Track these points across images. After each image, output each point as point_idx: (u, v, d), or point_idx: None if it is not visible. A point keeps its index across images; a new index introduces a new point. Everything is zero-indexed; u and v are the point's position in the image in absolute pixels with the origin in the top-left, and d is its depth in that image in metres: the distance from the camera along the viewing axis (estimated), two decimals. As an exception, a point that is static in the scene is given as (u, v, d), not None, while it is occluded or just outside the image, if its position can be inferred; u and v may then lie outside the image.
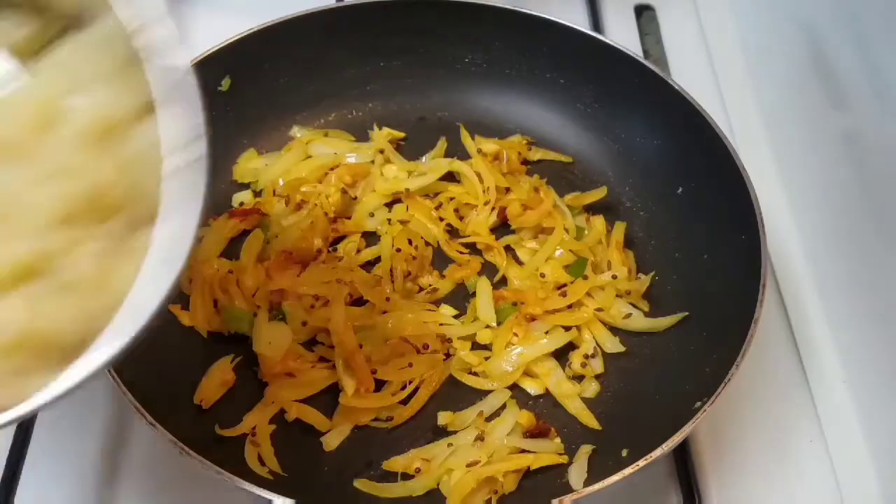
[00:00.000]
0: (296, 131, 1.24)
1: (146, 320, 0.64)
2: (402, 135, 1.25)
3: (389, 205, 1.18)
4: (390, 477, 0.96)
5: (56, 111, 0.67)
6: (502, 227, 1.16)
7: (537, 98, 1.25)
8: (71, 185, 0.66)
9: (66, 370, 0.63)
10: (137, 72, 0.69)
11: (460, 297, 1.11)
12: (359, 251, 1.14)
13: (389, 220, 1.15)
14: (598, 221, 1.17)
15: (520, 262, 1.13)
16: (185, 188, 0.66)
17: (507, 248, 1.14)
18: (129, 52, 0.69)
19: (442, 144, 1.24)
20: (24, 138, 0.65)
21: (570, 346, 1.06)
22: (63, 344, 0.65)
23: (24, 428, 0.94)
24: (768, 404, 1.10)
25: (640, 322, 1.09)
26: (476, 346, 1.06)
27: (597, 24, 1.42)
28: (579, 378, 1.05)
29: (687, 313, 1.07)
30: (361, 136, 1.25)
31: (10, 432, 0.94)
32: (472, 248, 1.14)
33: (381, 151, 1.21)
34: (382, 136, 1.23)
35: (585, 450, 0.97)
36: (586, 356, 1.05)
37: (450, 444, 0.97)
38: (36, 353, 0.64)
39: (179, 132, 0.67)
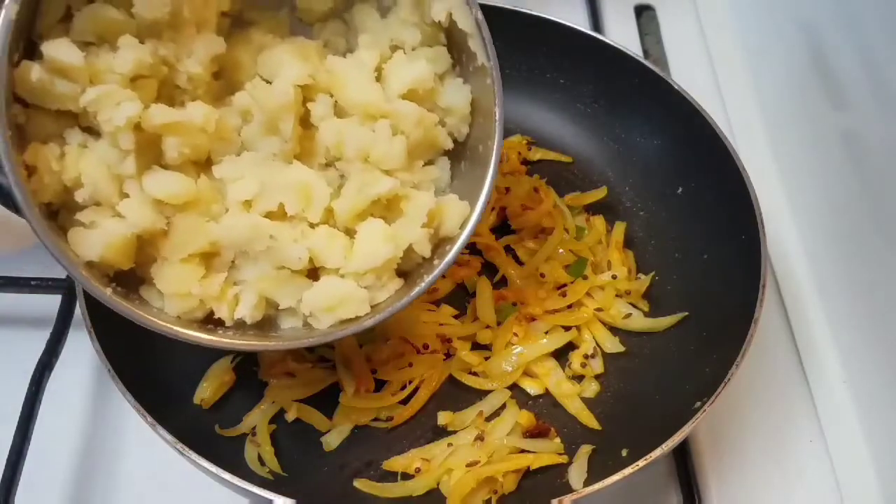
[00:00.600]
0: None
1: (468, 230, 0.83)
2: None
3: (390, 204, 1.18)
4: (390, 477, 0.96)
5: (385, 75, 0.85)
6: (502, 227, 1.16)
7: (537, 98, 1.25)
8: (409, 132, 0.82)
9: (395, 284, 0.84)
10: (439, 36, 0.86)
11: (460, 297, 1.11)
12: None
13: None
14: (598, 221, 1.17)
15: (520, 262, 1.13)
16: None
17: (507, 248, 1.14)
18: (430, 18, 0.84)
19: (442, 144, 1.24)
20: (363, 100, 0.82)
21: (570, 346, 1.06)
22: (394, 265, 0.82)
23: (24, 428, 0.94)
24: (768, 404, 1.10)
25: (640, 322, 1.09)
26: (476, 346, 1.06)
27: (597, 24, 1.42)
28: (579, 378, 1.05)
29: (687, 313, 1.07)
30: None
31: (10, 432, 0.94)
32: (472, 248, 1.14)
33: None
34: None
35: (585, 450, 0.97)
36: (586, 356, 1.05)
37: (450, 444, 0.97)
38: (381, 274, 0.82)
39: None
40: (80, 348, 0.97)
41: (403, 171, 0.84)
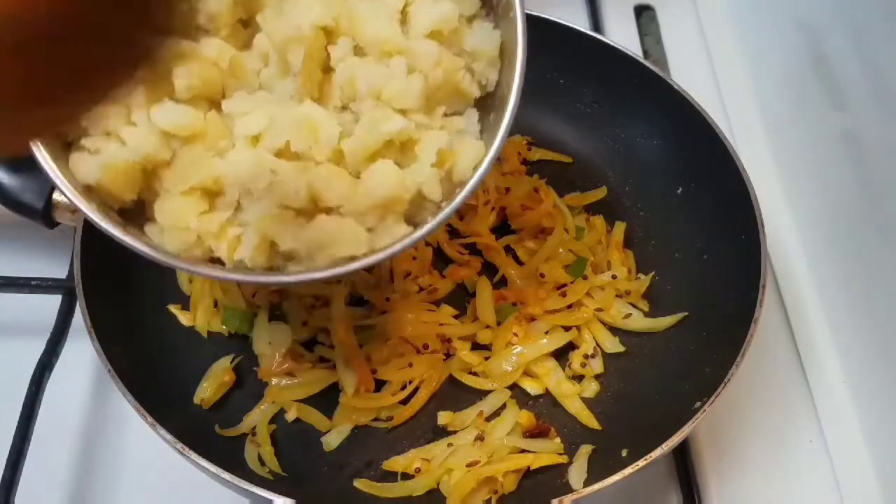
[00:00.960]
0: (296, 131, 1.24)
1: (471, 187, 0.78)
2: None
3: (389, 204, 1.18)
4: (390, 477, 0.96)
5: (410, 14, 0.81)
6: (502, 227, 1.16)
7: (537, 98, 1.25)
8: (427, 72, 0.79)
9: (400, 230, 0.78)
10: None
11: (460, 297, 1.11)
12: (358, 251, 1.14)
13: (389, 220, 1.15)
14: (598, 221, 1.17)
15: (520, 262, 1.13)
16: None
17: (507, 248, 1.14)
18: None
19: (442, 144, 1.24)
20: (385, 37, 0.79)
21: (570, 346, 1.06)
22: (401, 208, 0.78)
23: (24, 428, 0.94)
24: (768, 404, 1.10)
25: (640, 322, 1.09)
26: (476, 346, 1.06)
27: (597, 24, 1.42)
28: (579, 378, 1.05)
29: (687, 313, 1.07)
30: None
31: (10, 432, 0.94)
32: (472, 249, 1.14)
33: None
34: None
35: (585, 450, 0.97)
36: (586, 356, 1.05)
37: (450, 444, 0.97)
38: (384, 214, 0.78)
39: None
40: (80, 348, 0.97)
41: (420, 113, 0.80)
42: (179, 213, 0.77)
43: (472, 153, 0.80)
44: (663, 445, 0.86)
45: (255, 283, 0.82)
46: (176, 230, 0.77)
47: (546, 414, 1.02)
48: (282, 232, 0.78)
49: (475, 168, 0.79)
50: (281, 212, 0.78)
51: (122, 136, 0.75)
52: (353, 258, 0.77)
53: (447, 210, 0.78)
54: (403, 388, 1.01)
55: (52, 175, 0.73)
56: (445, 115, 0.83)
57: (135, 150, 0.75)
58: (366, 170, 0.79)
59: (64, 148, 0.75)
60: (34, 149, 0.71)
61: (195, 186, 0.77)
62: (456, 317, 1.08)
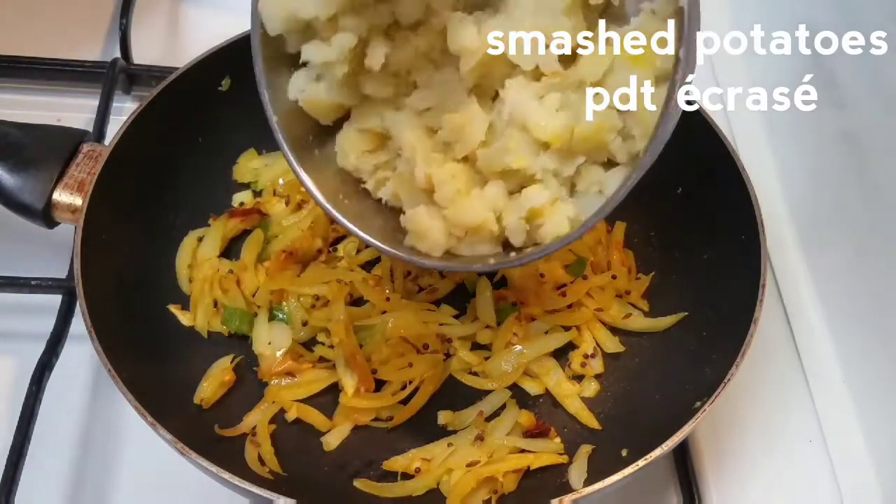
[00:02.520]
0: (296, 131, 1.24)
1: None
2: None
3: (389, 205, 1.18)
4: (390, 477, 0.96)
5: None
6: (502, 227, 1.16)
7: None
8: (576, 119, 0.81)
9: (485, 249, 0.85)
10: None
11: (460, 297, 1.11)
12: (359, 251, 1.14)
13: (389, 220, 1.15)
14: (598, 221, 1.16)
15: (520, 263, 1.13)
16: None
17: (508, 249, 1.14)
18: None
19: (442, 144, 1.24)
20: None
21: (570, 346, 1.06)
22: (488, 235, 0.84)
23: (24, 428, 0.94)
24: (768, 404, 1.10)
25: (640, 322, 1.09)
26: (476, 346, 1.06)
27: (597, 24, 1.42)
28: (579, 378, 1.05)
29: (687, 313, 1.07)
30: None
31: (10, 432, 0.94)
32: (472, 248, 1.14)
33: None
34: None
35: (585, 450, 0.97)
36: (586, 356, 1.05)
37: (450, 444, 0.97)
38: (474, 234, 0.84)
39: None
40: (80, 348, 0.97)
41: (556, 156, 0.82)
42: (349, 143, 0.89)
43: (558, 225, 0.81)
44: (663, 445, 0.86)
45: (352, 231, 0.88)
46: (343, 154, 0.89)
47: (546, 414, 1.02)
48: (407, 198, 0.87)
49: (555, 239, 0.81)
50: (412, 182, 0.86)
51: (326, 72, 0.84)
52: (425, 255, 0.85)
53: (503, 264, 0.85)
54: (403, 388, 1.01)
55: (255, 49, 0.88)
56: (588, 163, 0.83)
57: (330, 91, 0.85)
58: (490, 178, 0.84)
59: (289, 67, 0.88)
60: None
61: (370, 129, 0.88)
62: (456, 317, 1.08)
